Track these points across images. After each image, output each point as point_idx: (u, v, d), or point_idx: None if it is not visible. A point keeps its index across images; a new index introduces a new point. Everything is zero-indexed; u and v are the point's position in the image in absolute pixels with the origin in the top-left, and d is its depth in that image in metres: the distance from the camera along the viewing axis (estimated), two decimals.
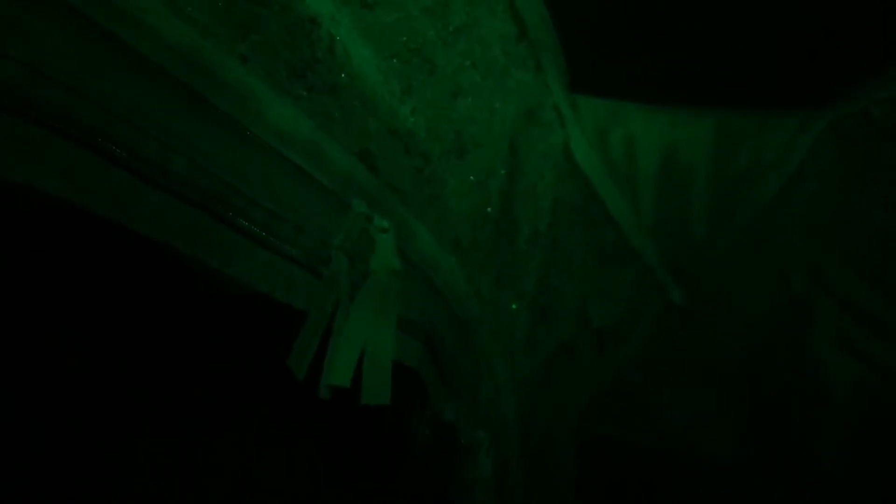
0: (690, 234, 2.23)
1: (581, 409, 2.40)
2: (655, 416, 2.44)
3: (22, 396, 1.19)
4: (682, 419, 2.42)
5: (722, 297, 2.32)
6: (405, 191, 1.55)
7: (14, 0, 0.96)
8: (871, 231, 2.09)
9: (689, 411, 2.41)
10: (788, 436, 2.31)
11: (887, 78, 1.93)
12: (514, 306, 2.08)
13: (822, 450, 2.25)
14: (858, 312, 2.17)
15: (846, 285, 2.17)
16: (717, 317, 2.34)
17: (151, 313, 1.29)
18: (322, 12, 1.33)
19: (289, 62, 1.30)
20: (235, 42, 1.19)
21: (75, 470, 1.22)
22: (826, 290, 2.20)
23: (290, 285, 1.29)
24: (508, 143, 1.86)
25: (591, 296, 2.31)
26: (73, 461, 1.22)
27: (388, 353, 1.33)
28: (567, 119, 2.01)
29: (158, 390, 1.31)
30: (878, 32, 1.93)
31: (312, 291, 1.32)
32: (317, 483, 1.60)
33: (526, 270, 2.13)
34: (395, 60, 1.48)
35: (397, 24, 1.49)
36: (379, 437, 1.74)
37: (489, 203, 1.88)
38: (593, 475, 2.39)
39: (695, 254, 2.25)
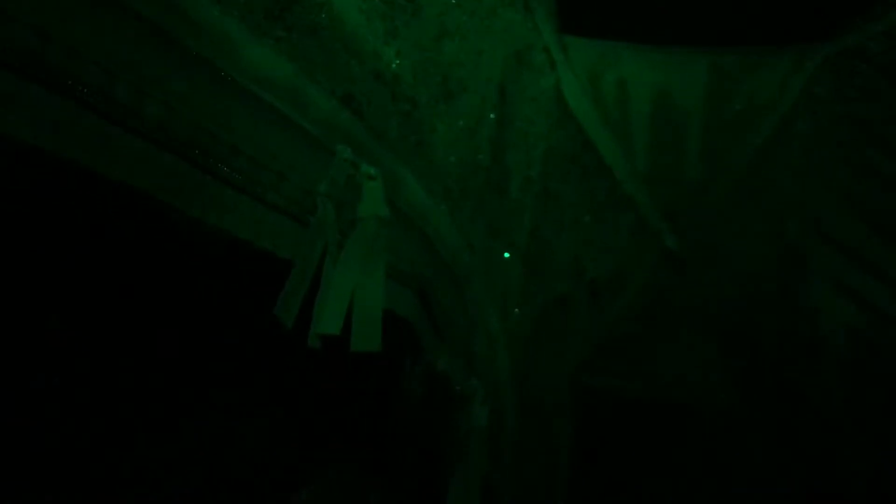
0: (685, 180, 2.20)
1: (576, 360, 2.40)
2: (650, 366, 2.44)
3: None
4: (676, 369, 2.42)
5: (717, 244, 2.30)
6: (392, 137, 1.51)
7: None
8: (868, 172, 2.06)
9: (684, 361, 2.41)
10: (783, 383, 2.31)
11: (884, 8, 1.88)
12: (506, 255, 2.06)
13: (818, 397, 2.25)
14: (856, 257, 2.15)
15: (843, 229, 2.15)
16: (713, 265, 2.32)
17: (131, 262, 1.26)
18: None
19: (265, 3, 1.25)
20: None
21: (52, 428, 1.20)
22: (822, 235, 2.18)
23: (275, 233, 1.26)
24: (498, 88, 1.81)
25: (585, 246, 2.28)
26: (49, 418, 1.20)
27: (377, 301, 1.30)
28: (558, 62, 1.96)
29: (139, 343, 1.29)
30: None
31: (298, 240, 1.29)
32: (310, 435, 1.59)
33: (518, 221, 2.11)
34: (377, 0, 1.43)
35: None
36: (373, 387, 1.73)
37: (479, 150, 1.84)
38: (588, 425, 2.40)
39: (689, 200, 2.22)
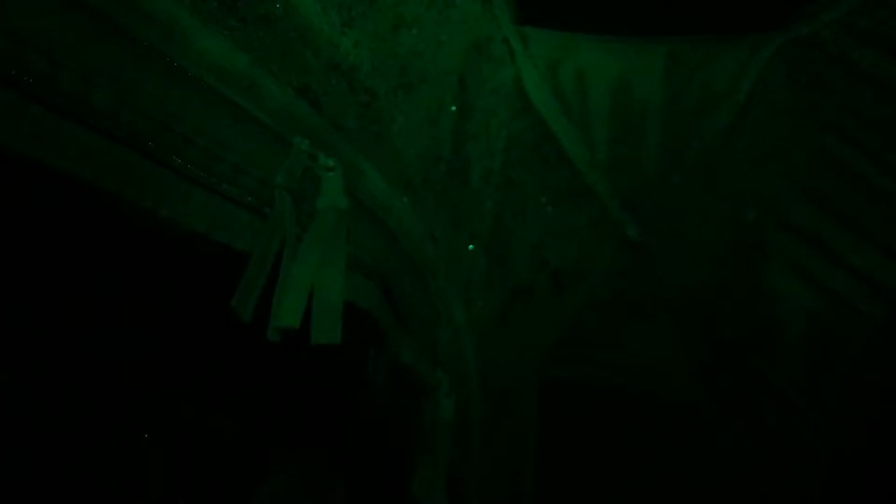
0: (644, 169, 2.22)
1: (540, 349, 2.41)
2: (614, 355, 2.46)
3: None
4: (640, 357, 2.44)
5: (677, 232, 2.33)
6: (350, 128, 1.50)
7: None
8: (824, 159, 2.10)
9: (647, 349, 2.44)
10: (745, 368, 2.34)
11: None
12: (470, 247, 2.06)
13: (778, 380, 2.29)
14: (814, 242, 2.19)
15: (800, 215, 2.19)
16: (673, 253, 2.34)
17: (83, 255, 1.24)
18: None
19: None
20: None
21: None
22: (779, 221, 2.22)
23: (230, 226, 1.25)
24: (457, 79, 1.81)
25: (546, 236, 2.29)
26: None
27: (337, 293, 1.30)
28: (517, 53, 1.97)
29: (96, 337, 1.26)
30: None
31: (255, 232, 1.27)
32: (274, 428, 1.58)
33: (480, 211, 2.11)
34: None
35: None
36: (337, 380, 1.72)
37: (440, 142, 1.84)
38: (553, 414, 2.41)
39: (649, 189, 2.24)
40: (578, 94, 2.10)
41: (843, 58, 1.95)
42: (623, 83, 2.10)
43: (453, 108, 1.84)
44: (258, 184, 1.31)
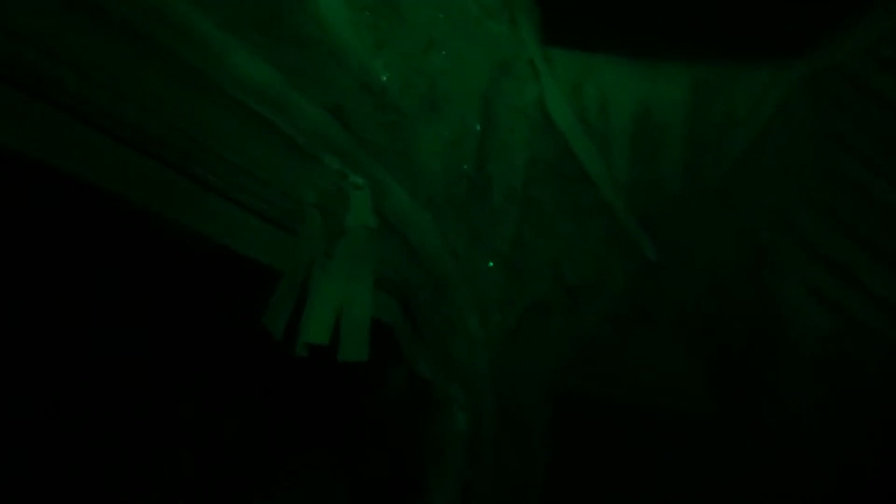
0: (663, 190, 2.24)
1: (554, 364, 2.42)
2: (626, 371, 2.47)
3: None
4: (653, 374, 2.45)
5: (693, 252, 2.34)
6: (378, 146, 1.52)
7: None
8: (842, 182, 2.11)
9: (660, 366, 2.44)
10: (757, 389, 2.35)
11: (862, 27, 1.92)
12: (490, 264, 2.08)
13: (791, 402, 2.30)
14: (828, 263, 2.20)
15: (816, 236, 2.20)
16: (688, 272, 2.36)
17: (116, 270, 1.26)
18: None
19: (257, 15, 1.26)
20: None
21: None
22: (796, 242, 2.23)
23: (259, 241, 1.27)
24: (482, 98, 1.83)
25: (564, 253, 2.31)
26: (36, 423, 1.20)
27: (365, 311, 1.32)
28: (541, 73, 1.99)
29: (122, 346, 1.29)
30: None
31: (285, 248, 1.30)
32: (292, 440, 1.60)
33: (500, 228, 2.13)
34: (366, 13, 1.45)
35: None
36: (354, 393, 1.74)
37: (464, 159, 1.86)
38: (565, 428, 2.42)
39: (667, 210, 2.26)
40: (600, 114, 2.12)
41: (867, 86, 1.96)
42: (645, 105, 2.12)
43: (477, 126, 1.86)
44: (288, 200, 1.33)
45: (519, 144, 2.04)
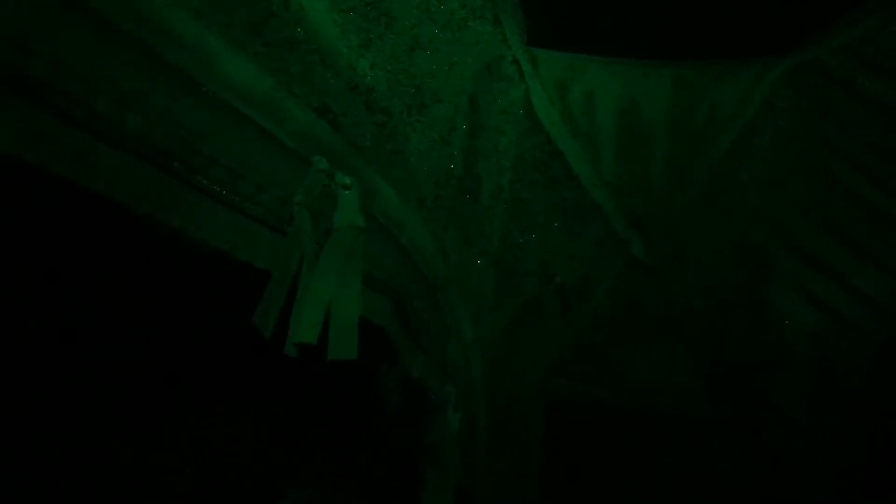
0: (650, 189, 2.25)
1: (546, 366, 2.43)
2: (619, 372, 2.47)
3: None
4: (645, 375, 2.46)
5: (682, 252, 2.35)
6: (367, 147, 1.54)
7: None
8: (827, 181, 2.13)
9: (652, 367, 2.45)
10: (749, 389, 2.36)
11: (842, 24, 1.95)
12: (479, 262, 2.09)
13: (783, 401, 2.31)
14: (817, 263, 2.22)
15: (804, 236, 2.22)
16: (678, 272, 2.37)
17: (113, 274, 1.27)
18: None
19: (245, 17, 1.27)
20: None
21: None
22: (784, 242, 2.25)
23: (253, 244, 1.28)
24: (469, 98, 1.85)
25: (554, 253, 2.32)
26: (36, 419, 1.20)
27: (354, 310, 1.32)
28: (527, 73, 2.00)
29: (120, 353, 1.29)
30: None
31: (275, 250, 1.30)
32: (285, 444, 1.60)
33: (490, 228, 2.14)
34: (352, 14, 1.46)
35: None
36: (348, 394, 1.75)
37: (452, 160, 1.88)
38: (558, 429, 2.43)
39: (655, 209, 2.27)
40: (586, 114, 2.14)
41: (849, 84, 1.99)
42: (630, 105, 2.13)
43: (465, 127, 1.88)
44: (279, 202, 1.34)
45: (506, 145, 2.05)
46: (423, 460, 1.91)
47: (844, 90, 2.00)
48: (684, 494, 2.38)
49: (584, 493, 2.44)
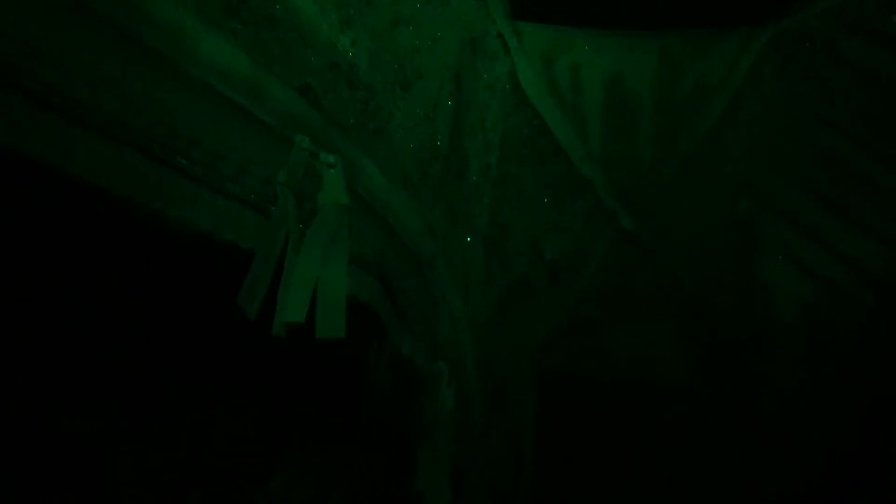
0: (638, 161, 2.25)
1: (538, 342, 2.44)
2: (610, 348, 2.49)
3: None
4: (636, 350, 2.47)
5: (672, 224, 2.36)
6: (350, 126, 1.52)
7: None
8: (814, 148, 2.13)
9: (643, 342, 2.46)
10: (741, 360, 2.37)
11: None
12: (468, 239, 2.09)
13: (774, 371, 2.32)
14: (805, 230, 2.22)
15: (792, 204, 2.22)
16: (668, 244, 2.37)
17: (94, 258, 1.26)
18: None
19: None
20: None
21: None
22: (772, 211, 2.25)
23: (236, 225, 1.27)
24: (453, 75, 1.83)
25: (543, 228, 2.32)
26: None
27: (341, 288, 1.32)
28: (512, 48, 1.99)
29: (103, 338, 1.29)
30: None
31: (259, 230, 1.30)
32: (277, 424, 1.61)
33: (478, 206, 2.14)
34: None
35: None
36: (339, 373, 1.75)
37: (438, 137, 1.87)
38: (551, 404, 2.44)
39: (644, 181, 2.27)
40: (573, 88, 2.13)
41: (833, 48, 1.98)
42: (617, 77, 2.12)
43: (450, 103, 1.87)
44: (262, 183, 1.33)
45: (493, 120, 2.05)
46: (417, 438, 1.92)
47: (829, 55, 2.00)
48: (676, 466, 2.40)
49: (578, 464, 2.46)
